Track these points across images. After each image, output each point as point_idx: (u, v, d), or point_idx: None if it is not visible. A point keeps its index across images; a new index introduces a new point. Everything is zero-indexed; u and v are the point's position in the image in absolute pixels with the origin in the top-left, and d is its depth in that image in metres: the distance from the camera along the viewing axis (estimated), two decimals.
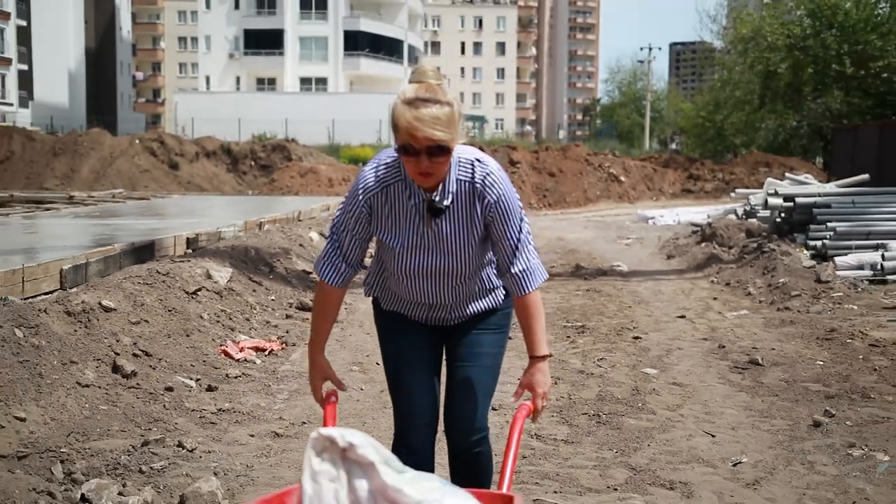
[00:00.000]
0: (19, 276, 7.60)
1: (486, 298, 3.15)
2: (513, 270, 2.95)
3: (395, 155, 2.89)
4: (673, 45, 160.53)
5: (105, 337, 6.03)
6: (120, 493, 3.97)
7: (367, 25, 67.26)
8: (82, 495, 3.92)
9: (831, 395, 6.06)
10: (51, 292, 7.72)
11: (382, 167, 2.92)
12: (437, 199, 2.87)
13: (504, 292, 3.17)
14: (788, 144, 40.17)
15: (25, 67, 63.80)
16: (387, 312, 3.21)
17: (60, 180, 30.12)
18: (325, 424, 2.81)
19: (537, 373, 2.98)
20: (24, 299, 7.13)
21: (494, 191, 2.89)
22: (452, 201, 2.89)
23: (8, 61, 60.40)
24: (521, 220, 2.96)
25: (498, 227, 2.93)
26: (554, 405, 5.85)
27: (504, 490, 2.53)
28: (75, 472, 4.19)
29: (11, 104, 60.44)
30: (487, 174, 2.89)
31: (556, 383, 6.41)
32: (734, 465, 4.72)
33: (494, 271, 3.12)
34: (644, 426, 5.42)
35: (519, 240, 2.95)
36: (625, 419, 5.56)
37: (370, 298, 3.27)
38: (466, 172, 2.89)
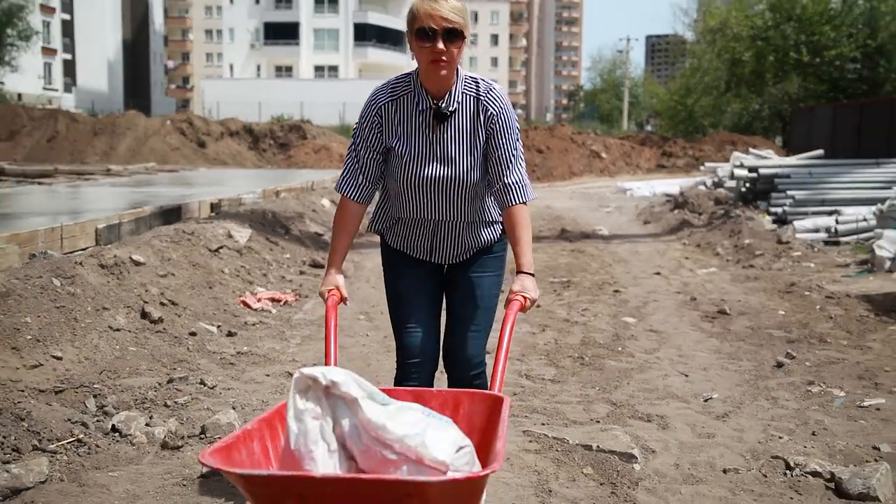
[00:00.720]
0: (58, 233, 7.48)
1: (485, 231, 3.00)
2: (505, 180, 2.84)
3: (405, 73, 2.87)
4: (649, 37, 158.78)
5: (135, 287, 5.92)
6: (147, 424, 3.90)
7: (375, 18, 66.78)
8: (113, 426, 3.84)
9: (792, 340, 5.97)
10: (86, 248, 7.59)
11: (393, 80, 2.90)
12: (444, 106, 2.80)
13: (501, 229, 3.03)
14: (751, 125, 39.93)
15: (69, 57, 63.32)
16: (392, 250, 3.08)
17: (100, 157, 29.97)
18: (326, 318, 2.67)
19: (526, 280, 2.80)
20: (64, 254, 7.00)
21: (496, 104, 2.84)
22: (457, 110, 2.82)
23: (53, 51, 59.88)
24: (517, 140, 2.89)
25: (496, 139, 2.84)
26: (542, 349, 5.75)
27: (496, 391, 2.41)
28: (107, 406, 4.10)
29: (57, 89, 59.98)
30: (490, 89, 2.86)
31: (543, 330, 6.31)
32: (705, 400, 4.63)
33: (494, 203, 2.99)
34: (624, 367, 5.32)
35: (513, 155, 2.86)
36: (606, 361, 5.46)
37: (378, 256, 3.15)
38: (471, 88, 2.85)
